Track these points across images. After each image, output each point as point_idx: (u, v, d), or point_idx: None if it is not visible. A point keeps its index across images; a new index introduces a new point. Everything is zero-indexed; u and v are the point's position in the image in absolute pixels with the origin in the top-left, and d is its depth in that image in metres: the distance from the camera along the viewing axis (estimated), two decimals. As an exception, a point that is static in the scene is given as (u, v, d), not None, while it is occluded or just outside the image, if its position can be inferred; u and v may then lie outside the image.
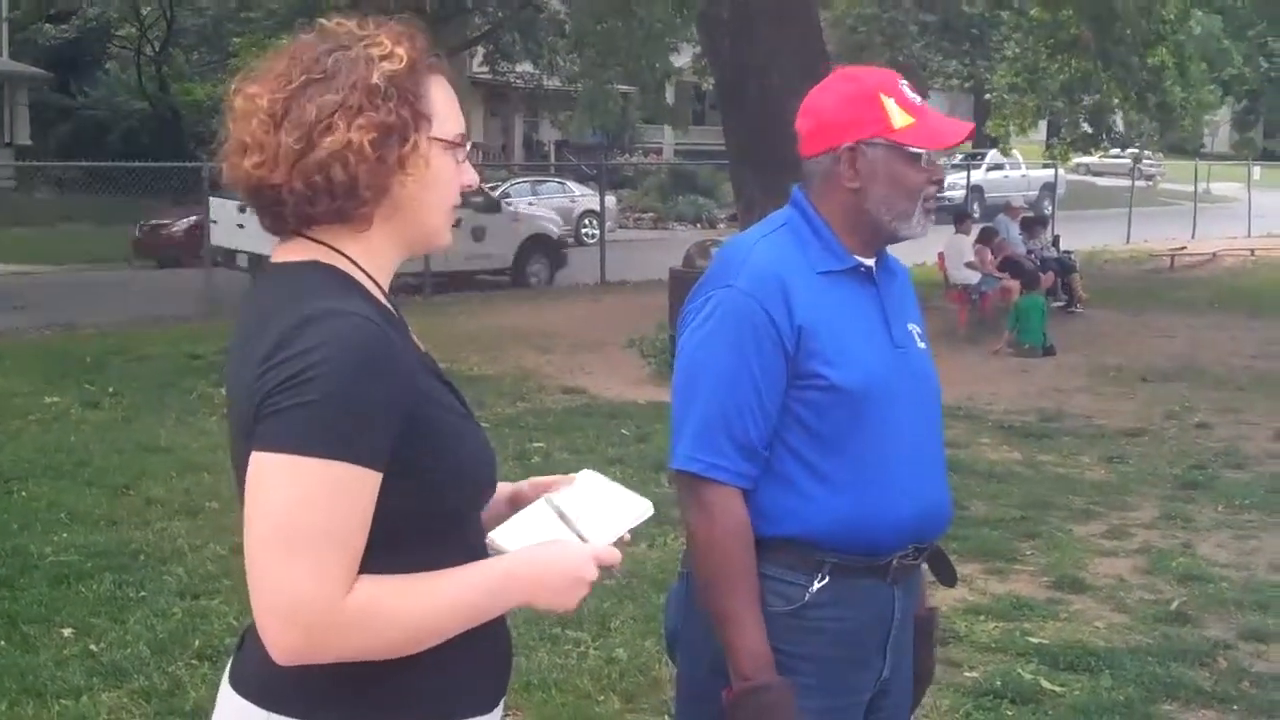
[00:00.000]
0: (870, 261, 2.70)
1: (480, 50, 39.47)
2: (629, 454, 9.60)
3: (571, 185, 33.37)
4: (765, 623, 2.56)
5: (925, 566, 2.85)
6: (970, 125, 2.71)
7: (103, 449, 9.40)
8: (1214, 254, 27.96)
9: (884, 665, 2.70)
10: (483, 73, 41.35)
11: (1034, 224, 19.82)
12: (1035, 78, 28.49)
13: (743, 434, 2.55)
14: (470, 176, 2.03)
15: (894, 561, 2.64)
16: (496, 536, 2.00)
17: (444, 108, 1.99)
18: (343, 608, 1.77)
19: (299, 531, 1.76)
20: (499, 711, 2.07)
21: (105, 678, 5.29)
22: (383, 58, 1.91)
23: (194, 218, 22.85)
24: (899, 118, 2.60)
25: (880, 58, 39.64)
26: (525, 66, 38.10)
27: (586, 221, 31.24)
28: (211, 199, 18.73)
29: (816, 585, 2.58)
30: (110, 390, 11.80)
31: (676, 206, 38.56)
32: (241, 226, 17.63)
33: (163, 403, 11.30)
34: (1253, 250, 28.95)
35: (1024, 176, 39.64)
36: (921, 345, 2.76)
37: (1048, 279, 17.42)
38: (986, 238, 17.77)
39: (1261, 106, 23.35)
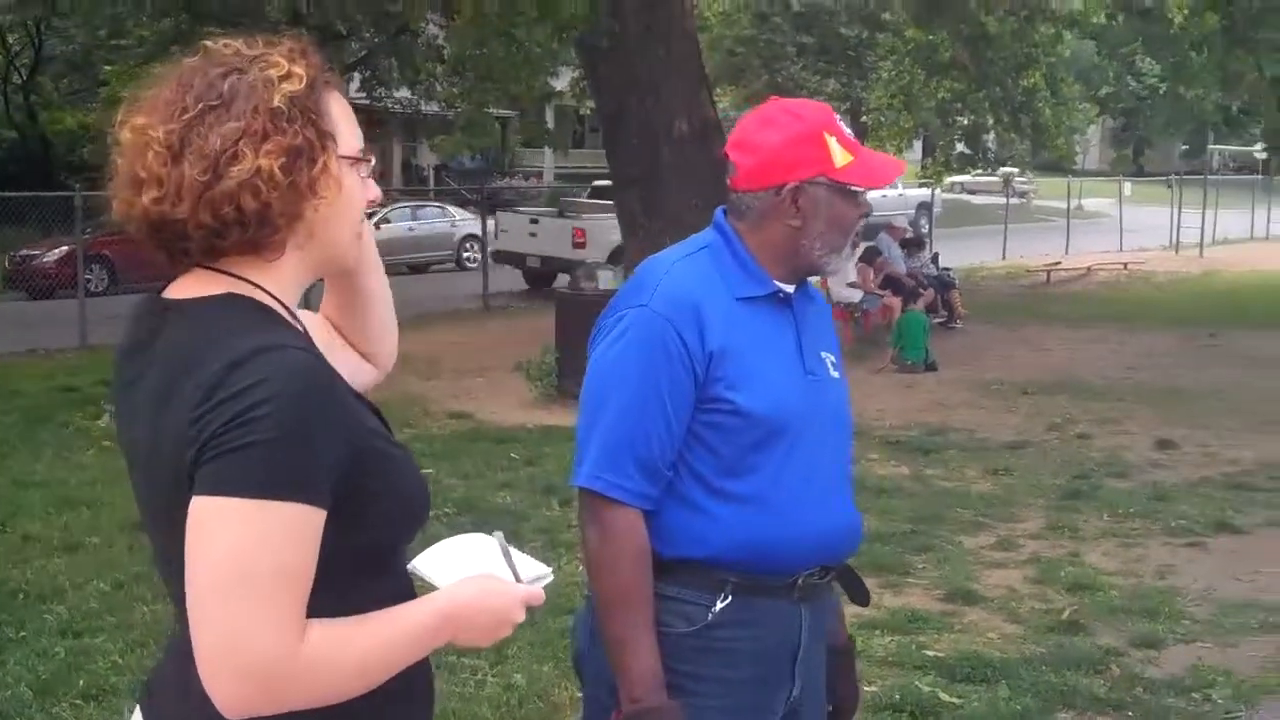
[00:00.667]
0: (790, 288, 2.69)
1: (357, 76, 39.14)
2: (518, 478, 9.53)
3: (452, 210, 33.09)
4: (668, 644, 2.54)
5: (839, 590, 2.84)
6: (903, 163, 2.78)
7: (-25, 486, 9.12)
8: (1088, 269, 28.52)
9: (794, 685, 2.68)
10: (359, 98, 40.94)
11: (913, 244, 20.05)
12: (910, 99, 28.94)
13: (647, 455, 2.53)
14: (374, 191, 1.95)
15: (800, 581, 2.62)
16: (420, 566, 1.93)
17: (344, 124, 1.91)
18: (297, 657, 1.69)
19: (254, 578, 1.66)
20: None
21: (-15, 721, 5.13)
22: (282, 79, 1.82)
23: (66, 247, 22.37)
24: (840, 156, 2.60)
25: (758, 79, 40.00)
26: (403, 92, 37.81)
27: (468, 246, 31.11)
28: (500, 212, 24.72)
29: (719, 605, 2.56)
30: (-18, 426, 11.46)
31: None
32: (534, 235, 23.15)
33: (37, 437, 10.98)
34: (1126, 264, 29.58)
35: (901, 195, 40.08)
36: (835, 374, 2.75)
37: (928, 296, 17.66)
38: (868, 257, 17.95)
39: (1137, 123, 23.79)
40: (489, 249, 24.33)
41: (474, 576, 1.90)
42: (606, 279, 13.07)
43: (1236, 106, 22.49)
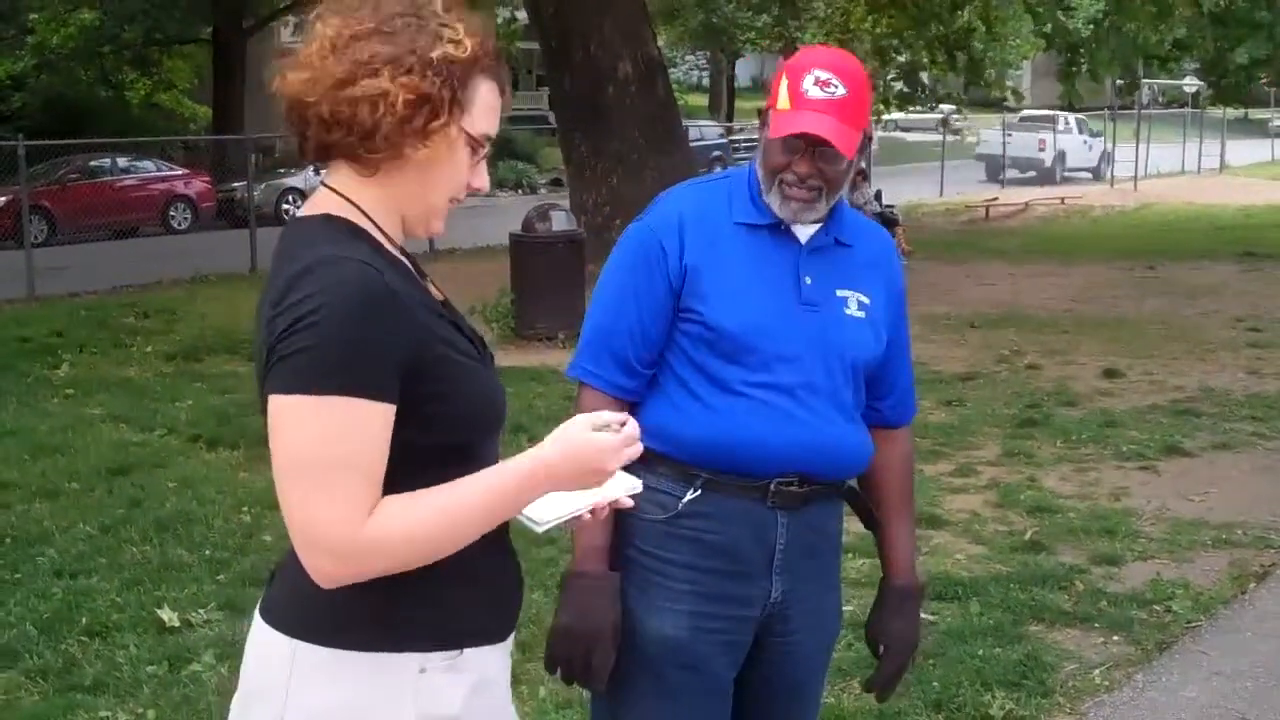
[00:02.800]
0: (801, 228, 2.80)
1: (291, 20, 38.78)
2: (485, 417, 9.65)
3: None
4: (643, 529, 2.77)
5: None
6: (817, 130, 2.67)
7: (-56, 435, 9.14)
8: (1026, 204, 28.88)
9: (771, 587, 2.82)
10: (294, 43, 40.58)
11: (856, 176, 20.22)
12: (846, 37, 28.99)
13: (621, 350, 2.78)
14: (482, 180, 2.13)
15: (772, 486, 2.77)
16: (529, 511, 2.08)
17: (484, 107, 2.08)
18: (366, 531, 1.89)
19: (314, 465, 1.88)
20: (510, 642, 2.20)
21: (-5, 659, 5.24)
22: (451, 41, 2.02)
23: (3, 199, 22.11)
24: (781, 100, 2.73)
25: (694, 19, 40.02)
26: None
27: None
28: (982, 130, 32.44)
29: (689, 496, 2.76)
30: (-58, 376, 11.43)
31: (497, 173, 38.47)
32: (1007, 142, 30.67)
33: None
34: (1062, 199, 29.95)
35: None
36: (857, 313, 2.84)
37: (873, 233, 17.84)
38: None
39: (1080, 58, 23.98)
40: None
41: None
42: (560, 220, 13.17)
43: (1169, 41, 22.81)
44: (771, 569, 2.82)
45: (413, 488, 1.95)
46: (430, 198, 2.10)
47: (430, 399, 1.98)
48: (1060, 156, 38.44)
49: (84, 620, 5.59)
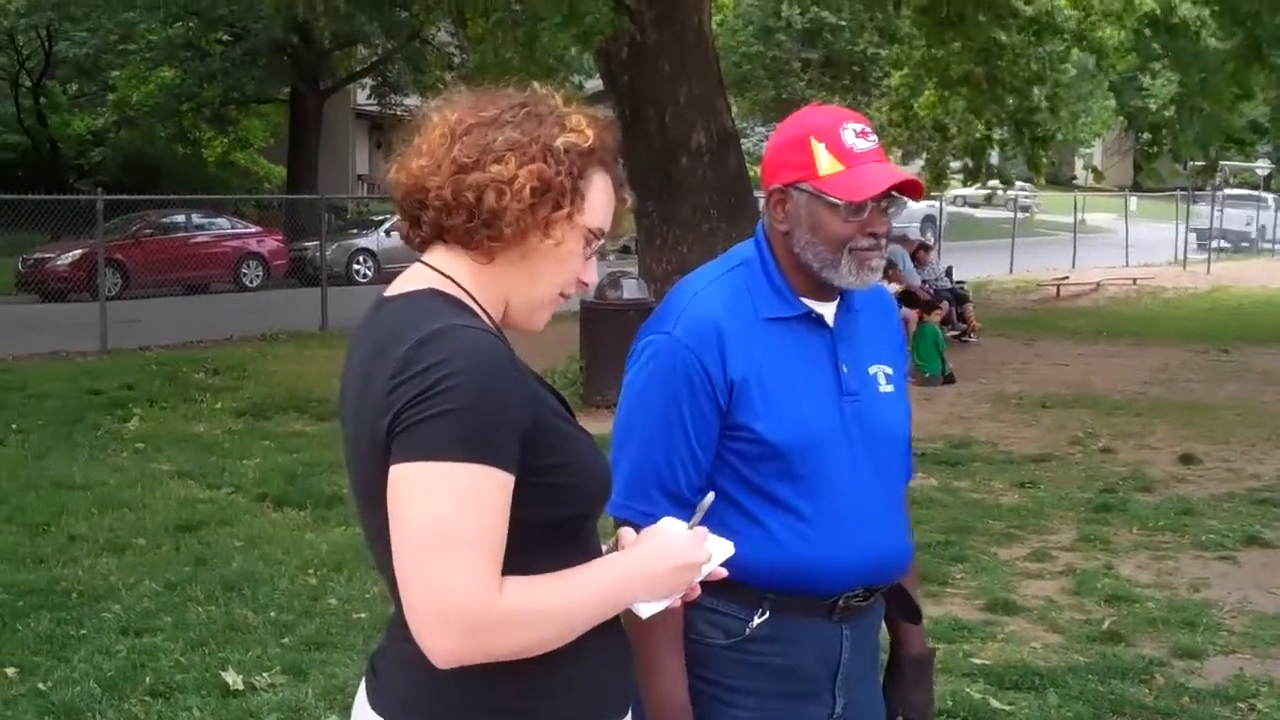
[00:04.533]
0: (824, 307, 2.66)
1: (367, 82, 39.26)
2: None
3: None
4: (706, 655, 2.58)
5: (897, 605, 2.84)
6: (900, 175, 2.56)
7: (16, 486, 9.21)
8: (1098, 284, 28.64)
9: (834, 702, 2.68)
10: (369, 105, 41.16)
11: (920, 249, 20.11)
12: (909, 113, 28.96)
13: (673, 484, 2.55)
14: (591, 275, 2.11)
15: (840, 602, 2.63)
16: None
17: (599, 201, 2.07)
18: (498, 606, 1.82)
19: (451, 535, 1.81)
20: (630, 716, 2.14)
21: (58, 717, 5.21)
22: (572, 130, 2.02)
23: (79, 251, 22.47)
24: (826, 165, 2.55)
25: (765, 93, 40.15)
26: (413, 100, 37.90)
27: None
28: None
29: (757, 620, 2.58)
30: (14, 427, 11.55)
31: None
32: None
33: (71, 439, 11.09)
34: (1135, 280, 29.69)
35: (906, 208, 40.20)
36: (887, 388, 2.72)
37: (943, 309, 17.74)
38: (885, 269, 18.01)
39: (1163, 139, 23.79)
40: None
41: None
42: (631, 288, 13.16)
43: (1247, 122, 22.70)
44: (835, 684, 2.68)
45: (521, 565, 1.88)
46: (540, 288, 2.07)
47: (544, 470, 1.93)
48: (1263, 230, 42.28)
49: (148, 680, 5.56)
